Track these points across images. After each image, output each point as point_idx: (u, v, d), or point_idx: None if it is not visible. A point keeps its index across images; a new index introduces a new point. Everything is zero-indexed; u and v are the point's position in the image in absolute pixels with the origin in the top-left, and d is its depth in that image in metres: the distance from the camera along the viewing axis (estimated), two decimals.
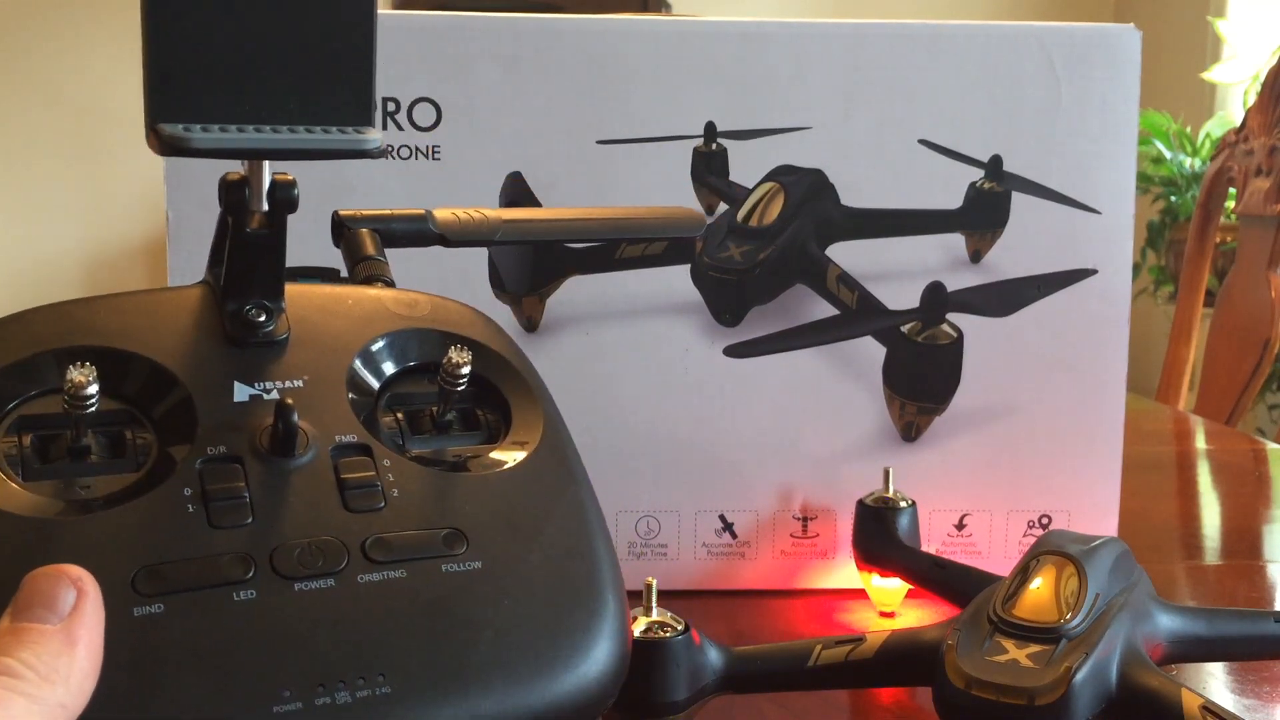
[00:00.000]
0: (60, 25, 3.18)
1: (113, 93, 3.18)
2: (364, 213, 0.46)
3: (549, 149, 0.60)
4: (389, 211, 0.47)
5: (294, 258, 0.39)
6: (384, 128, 0.59)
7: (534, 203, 0.60)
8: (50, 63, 3.19)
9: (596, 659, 0.36)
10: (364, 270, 0.44)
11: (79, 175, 3.25)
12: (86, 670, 0.30)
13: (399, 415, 0.40)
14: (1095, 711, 0.41)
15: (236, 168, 0.37)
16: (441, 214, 0.48)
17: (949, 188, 0.61)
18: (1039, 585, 0.45)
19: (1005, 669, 0.41)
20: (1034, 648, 0.42)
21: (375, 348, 0.41)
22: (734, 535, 0.63)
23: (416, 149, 0.59)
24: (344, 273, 0.45)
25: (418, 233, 0.47)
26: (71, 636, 0.30)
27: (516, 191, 0.60)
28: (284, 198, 0.37)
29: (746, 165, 0.61)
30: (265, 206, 0.37)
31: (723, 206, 0.61)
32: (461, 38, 0.59)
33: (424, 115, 0.59)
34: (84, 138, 3.24)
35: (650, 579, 0.44)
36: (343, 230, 0.46)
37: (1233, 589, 0.67)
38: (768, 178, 0.61)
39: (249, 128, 0.34)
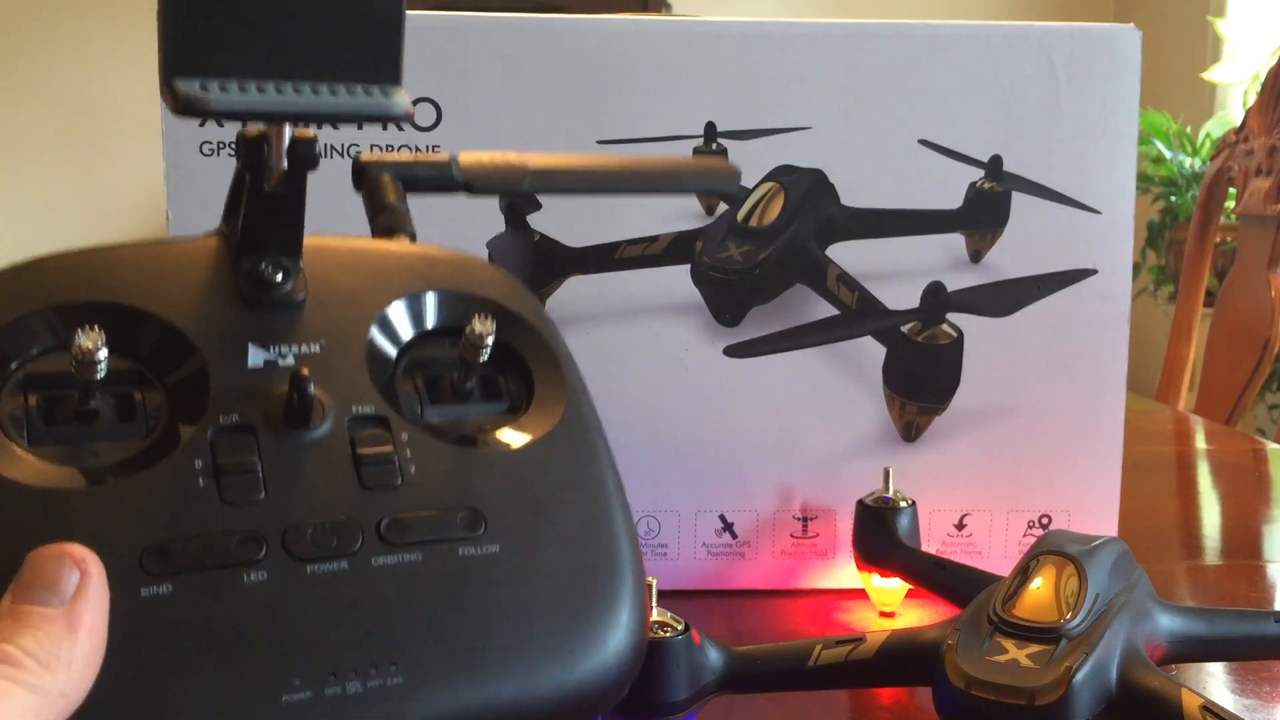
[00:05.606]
0: (60, 25, 3.18)
1: (112, 92, 3.18)
2: (386, 158, 0.44)
3: (549, 149, 0.60)
4: (412, 157, 0.45)
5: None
6: (384, 128, 0.58)
7: (533, 205, 0.60)
8: (50, 62, 3.19)
9: (613, 647, 0.36)
10: (385, 221, 0.42)
11: (77, 174, 3.25)
12: (89, 656, 0.29)
13: (418, 382, 0.39)
14: (1095, 711, 0.41)
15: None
16: (466, 159, 0.45)
17: (949, 188, 0.61)
18: (1039, 585, 0.45)
19: (1005, 669, 0.41)
20: (1034, 648, 0.42)
21: (396, 310, 0.39)
22: (734, 535, 0.63)
23: (416, 149, 0.59)
24: None
25: (441, 178, 0.44)
26: (74, 621, 0.29)
27: None
28: (305, 155, 0.35)
29: (746, 165, 0.61)
30: (285, 165, 0.35)
31: (723, 206, 0.61)
32: (461, 38, 0.59)
33: (424, 115, 0.59)
34: (83, 137, 3.23)
35: (650, 579, 0.44)
36: (364, 176, 0.43)
37: (1233, 589, 0.67)
38: (768, 178, 0.61)
39: (269, 86, 0.32)
